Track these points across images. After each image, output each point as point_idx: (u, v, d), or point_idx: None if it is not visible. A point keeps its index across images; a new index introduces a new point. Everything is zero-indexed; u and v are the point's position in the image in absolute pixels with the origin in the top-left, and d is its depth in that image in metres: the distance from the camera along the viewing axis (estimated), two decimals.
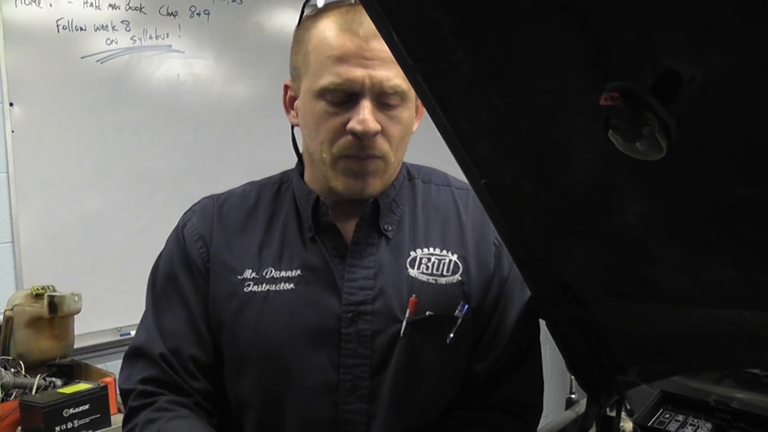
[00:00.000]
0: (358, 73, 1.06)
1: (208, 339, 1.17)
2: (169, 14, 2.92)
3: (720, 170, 0.77)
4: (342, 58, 1.06)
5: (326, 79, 1.07)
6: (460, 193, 1.25)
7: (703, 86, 0.66)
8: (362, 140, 1.08)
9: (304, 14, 1.14)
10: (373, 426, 1.14)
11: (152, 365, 1.15)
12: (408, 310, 1.13)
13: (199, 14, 2.99)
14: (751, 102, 0.68)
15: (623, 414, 1.25)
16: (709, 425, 1.28)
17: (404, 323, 1.13)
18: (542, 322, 1.19)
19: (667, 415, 1.35)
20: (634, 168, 0.76)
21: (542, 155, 0.87)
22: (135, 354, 1.18)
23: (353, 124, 1.07)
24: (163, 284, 1.20)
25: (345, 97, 1.07)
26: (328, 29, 1.08)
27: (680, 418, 1.33)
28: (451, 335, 1.15)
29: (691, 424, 1.30)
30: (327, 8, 1.10)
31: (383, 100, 1.08)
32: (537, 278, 1.11)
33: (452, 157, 0.94)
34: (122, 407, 1.30)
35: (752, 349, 1.07)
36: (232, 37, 3.10)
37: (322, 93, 1.08)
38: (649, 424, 1.34)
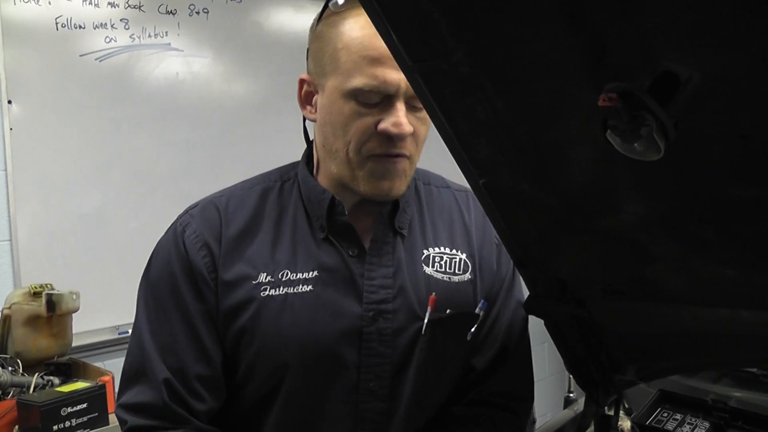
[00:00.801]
0: (394, 76, 1.03)
1: (213, 352, 1.12)
2: (168, 13, 2.91)
3: (718, 170, 0.77)
4: (378, 60, 1.04)
5: (360, 80, 1.05)
6: (460, 195, 1.27)
7: (701, 87, 0.66)
8: (394, 141, 1.07)
9: (327, 9, 1.11)
10: (392, 424, 1.14)
11: (151, 390, 1.10)
12: (429, 308, 1.14)
13: (198, 13, 2.99)
14: (748, 102, 0.68)
15: (621, 413, 1.26)
16: (706, 424, 1.29)
17: (426, 320, 1.13)
18: (540, 321, 1.20)
19: (665, 414, 1.35)
20: (632, 168, 0.76)
21: (540, 155, 0.87)
22: (134, 376, 1.13)
23: (387, 126, 1.05)
24: (161, 295, 1.14)
25: (378, 99, 1.06)
26: (359, 28, 1.05)
27: (678, 416, 1.33)
28: (472, 331, 1.17)
29: (689, 423, 1.31)
30: (353, 6, 1.07)
31: (413, 102, 1.07)
32: (535, 277, 1.11)
33: (451, 157, 0.94)
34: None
35: (750, 348, 1.07)
36: (230, 35, 3.10)
37: (354, 94, 1.06)
38: (647, 423, 1.34)
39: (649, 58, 0.67)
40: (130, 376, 1.14)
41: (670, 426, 1.32)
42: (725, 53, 0.64)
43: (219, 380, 1.14)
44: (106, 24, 2.75)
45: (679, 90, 0.67)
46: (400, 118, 1.05)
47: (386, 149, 1.08)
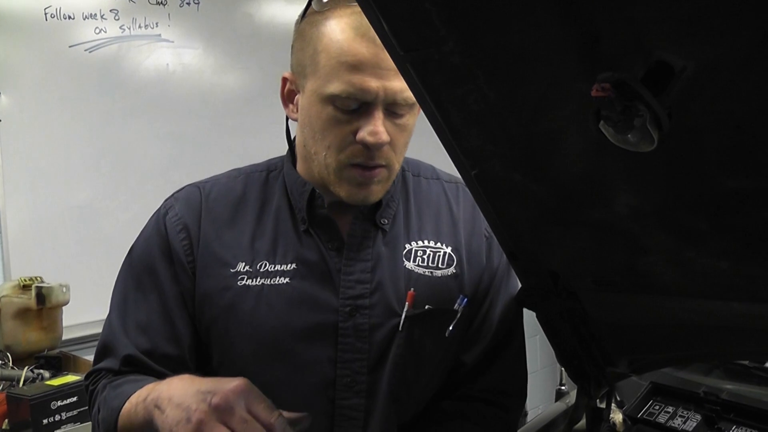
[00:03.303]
0: (373, 84, 1.02)
1: (184, 334, 1.13)
2: (158, 3, 2.89)
3: (711, 161, 0.76)
4: (356, 67, 1.02)
5: (337, 86, 1.03)
6: (450, 186, 1.25)
7: (695, 77, 0.66)
8: (371, 150, 1.06)
9: (311, 7, 1.09)
10: (370, 421, 1.13)
11: (115, 363, 1.13)
12: (406, 304, 1.13)
13: (188, 3, 2.97)
14: (742, 92, 0.67)
15: (613, 405, 1.26)
16: (698, 416, 1.29)
17: (403, 317, 1.12)
18: (532, 314, 1.19)
19: (657, 407, 1.35)
20: (625, 159, 0.76)
21: (532, 146, 0.87)
22: (102, 352, 1.16)
23: (364, 135, 1.04)
24: (139, 273, 1.15)
25: (355, 106, 1.04)
26: (340, 31, 1.03)
27: (670, 409, 1.33)
28: (450, 328, 1.16)
29: (680, 416, 1.31)
30: (336, 5, 1.05)
31: (393, 109, 1.06)
32: (527, 269, 1.11)
33: (442, 147, 0.94)
34: None
35: (742, 340, 1.07)
36: (221, 27, 3.08)
37: (332, 99, 1.04)
38: (638, 416, 1.34)
39: (643, 48, 0.66)
40: (98, 353, 1.17)
41: (661, 418, 1.32)
42: (720, 43, 0.63)
43: (185, 362, 1.14)
44: (95, 14, 2.73)
45: (672, 80, 0.66)
46: (378, 127, 1.04)
47: (364, 159, 1.07)
